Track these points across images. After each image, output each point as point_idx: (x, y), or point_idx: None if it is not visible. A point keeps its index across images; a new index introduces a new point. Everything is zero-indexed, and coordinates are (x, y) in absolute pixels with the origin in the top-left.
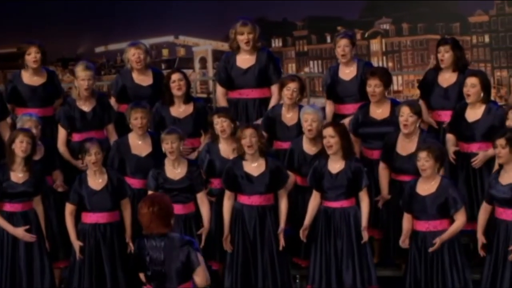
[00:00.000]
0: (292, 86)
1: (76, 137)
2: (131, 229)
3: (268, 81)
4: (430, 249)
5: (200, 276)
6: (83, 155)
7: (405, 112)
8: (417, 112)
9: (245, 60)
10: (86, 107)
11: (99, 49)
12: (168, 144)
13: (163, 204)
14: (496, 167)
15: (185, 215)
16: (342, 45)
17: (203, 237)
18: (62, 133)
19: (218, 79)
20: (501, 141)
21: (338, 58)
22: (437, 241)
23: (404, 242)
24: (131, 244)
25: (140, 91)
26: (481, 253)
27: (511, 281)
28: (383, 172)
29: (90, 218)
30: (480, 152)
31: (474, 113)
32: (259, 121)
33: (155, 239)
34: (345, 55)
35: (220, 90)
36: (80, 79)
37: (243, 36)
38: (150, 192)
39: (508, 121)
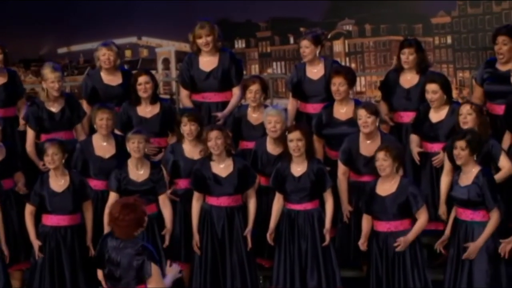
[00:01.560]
0: (254, 88)
1: (44, 138)
2: (92, 232)
3: (230, 83)
4: (397, 249)
5: (152, 285)
6: (43, 155)
7: (362, 115)
8: (374, 112)
9: (207, 62)
10: (54, 108)
11: (62, 50)
12: (135, 143)
13: (135, 213)
14: (445, 173)
15: (147, 216)
16: (303, 46)
17: (166, 238)
18: (30, 134)
19: (181, 81)
20: (461, 143)
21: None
22: (401, 240)
23: (363, 244)
24: (91, 248)
25: (110, 91)
26: (442, 251)
27: (468, 281)
28: (342, 178)
29: (50, 220)
30: (441, 152)
31: (438, 114)
32: (221, 115)
33: (117, 239)
34: (306, 55)
35: (184, 92)
36: (50, 81)
37: (202, 39)
38: (112, 193)
39: (461, 116)
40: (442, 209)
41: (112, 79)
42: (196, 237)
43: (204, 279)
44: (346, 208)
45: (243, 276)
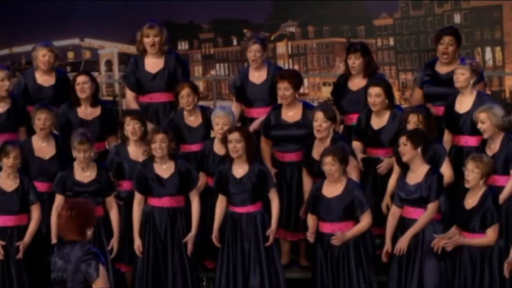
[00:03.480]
0: (185, 92)
1: None
2: (31, 236)
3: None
4: (332, 241)
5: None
6: (1, 156)
7: (319, 118)
8: (331, 118)
9: (153, 64)
10: (0, 108)
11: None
12: (81, 153)
13: (83, 210)
14: (395, 170)
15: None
16: (254, 50)
17: (115, 241)
18: None
19: (127, 83)
20: (402, 139)
21: (249, 63)
22: (339, 234)
23: (311, 236)
24: (21, 250)
25: (41, 91)
26: (384, 259)
27: (419, 281)
28: (306, 179)
29: None
30: (385, 159)
31: (379, 120)
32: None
33: (65, 245)
34: (256, 60)
35: (130, 93)
36: None
37: (149, 38)
38: (58, 196)
39: (409, 124)
40: (387, 200)
41: (46, 80)
42: (137, 241)
43: (146, 280)
44: (305, 208)
45: (184, 278)
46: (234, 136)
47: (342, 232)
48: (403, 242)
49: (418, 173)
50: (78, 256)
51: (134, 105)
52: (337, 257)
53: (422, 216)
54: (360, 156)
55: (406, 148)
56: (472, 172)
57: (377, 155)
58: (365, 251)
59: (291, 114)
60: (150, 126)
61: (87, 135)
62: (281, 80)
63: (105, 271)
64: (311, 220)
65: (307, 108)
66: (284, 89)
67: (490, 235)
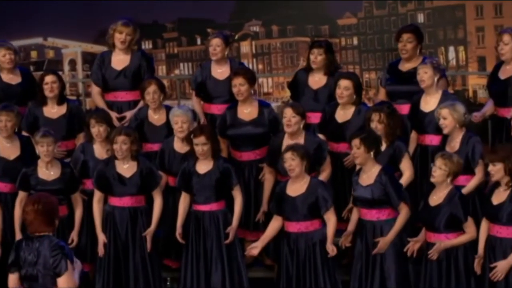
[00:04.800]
0: (151, 89)
1: None
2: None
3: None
4: (331, 254)
5: (64, 282)
6: None
7: (287, 113)
8: (300, 113)
9: (119, 60)
10: None
11: None
12: (44, 147)
13: (48, 203)
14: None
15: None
16: (214, 44)
17: (75, 239)
18: None
19: (93, 79)
20: (355, 142)
21: (210, 57)
22: (329, 247)
23: (252, 249)
24: None
25: (9, 90)
26: (346, 242)
27: (380, 281)
28: (268, 177)
29: None
30: (351, 153)
31: (344, 114)
32: (128, 114)
33: (32, 240)
34: (216, 53)
35: (96, 90)
36: None
37: (121, 35)
38: (21, 193)
39: (372, 123)
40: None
41: (12, 78)
42: (101, 237)
43: (107, 279)
44: (265, 205)
45: (146, 277)
46: (201, 140)
47: (331, 245)
48: (384, 244)
49: (370, 174)
50: (47, 250)
51: (99, 101)
52: (304, 256)
53: (398, 220)
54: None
55: (359, 152)
56: (439, 168)
57: (338, 150)
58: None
59: (247, 112)
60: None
61: (49, 131)
62: (235, 76)
63: (72, 267)
64: (274, 222)
65: (263, 106)
66: (239, 84)
67: (469, 231)
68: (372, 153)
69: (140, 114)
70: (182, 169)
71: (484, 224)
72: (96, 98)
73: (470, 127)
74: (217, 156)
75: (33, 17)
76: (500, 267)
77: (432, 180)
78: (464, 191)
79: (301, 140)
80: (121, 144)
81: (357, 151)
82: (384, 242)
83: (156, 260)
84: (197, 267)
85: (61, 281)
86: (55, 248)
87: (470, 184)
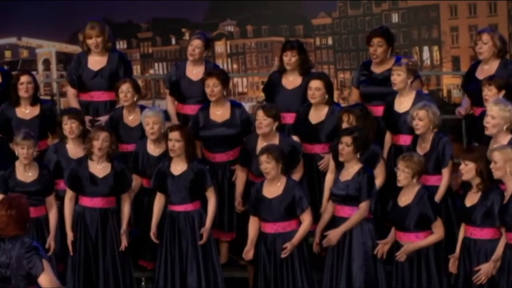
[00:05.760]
0: (125, 87)
1: None
2: None
3: None
4: (283, 255)
5: (46, 281)
6: None
7: (259, 115)
8: (272, 115)
9: (96, 61)
10: None
11: None
12: (24, 149)
13: (21, 207)
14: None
15: (37, 218)
16: (194, 45)
17: (52, 244)
18: None
19: (69, 80)
20: (347, 139)
21: (188, 56)
22: (288, 246)
23: (248, 252)
24: None
25: None
26: (316, 248)
27: (347, 279)
28: (240, 175)
29: None
30: (325, 156)
31: (317, 115)
32: (102, 118)
33: (5, 241)
34: (194, 55)
35: (71, 91)
36: None
37: (92, 40)
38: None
39: (343, 124)
40: (324, 206)
41: None
42: (70, 235)
43: (78, 279)
44: (238, 199)
45: (116, 278)
46: (174, 135)
47: (290, 242)
48: (333, 236)
49: (351, 170)
50: (20, 252)
51: (74, 103)
52: (281, 257)
53: (354, 214)
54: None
55: (347, 149)
56: (403, 171)
57: (313, 151)
58: (308, 251)
59: (219, 114)
60: (168, 124)
61: (30, 133)
62: (209, 77)
63: (49, 265)
64: (252, 224)
65: (235, 107)
66: (213, 85)
67: (438, 231)
68: (358, 154)
69: (115, 114)
70: (157, 169)
71: (464, 224)
72: (70, 99)
73: (445, 126)
74: (192, 158)
75: (7, 17)
76: (484, 270)
77: (399, 184)
78: (437, 198)
79: (275, 141)
80: (103, 141)
81: (346, 148)
82: (334, 235)
83: (127, 260)
84: (172, 267)
85: (42, 281)
86: (29, 250)
87: (440, 189)
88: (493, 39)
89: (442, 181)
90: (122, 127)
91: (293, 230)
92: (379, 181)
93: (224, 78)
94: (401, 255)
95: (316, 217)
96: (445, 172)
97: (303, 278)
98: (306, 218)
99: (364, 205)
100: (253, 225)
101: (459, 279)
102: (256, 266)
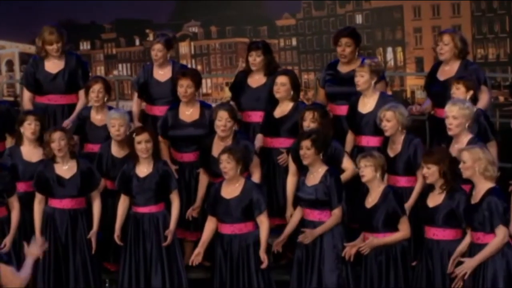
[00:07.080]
0: (97, 87)
1: None
2: None
3: (77, 86)
4: (263, 266)
5: (9, 282)
6: None
7: (223, 117)
8: (235, 117)
9: (53, 64)
10: None
11: None
12: None
13: None
14: (291, 171)
15: None
16: (156, 49)
17: (8, 244)
18: None
19: (26, 83)
20: (306, 143)
21: (153, 61)
22: (261, 255)
23: (197, 256)
24: None
25: None
26: (277, 247)
27: (318, 281)
28: (203, 176)
29: None
30: (285, 151)
31: (281, 110)
32: (68, 122)
33: None
34: (158, 59)
35: (27, 94)
36: None
37: (52, 46)
38: None
39: (305, 122)
40: (290, 211)
41: None
42: (39, 239)
43: (48, 281)
44: (198, 206)
45: (86, 279)
46: (144, 137)
47: (261, 252)
48: (310, 235)
49: (316, 174)
50: None
51: (29, 106)
52: (237, 258)
53: (330, 219)
54: (257, 144)
55: (309, 153)
56: (365, 167)
57: (272, 145)
58: (267, 251)
59: (188, 114)
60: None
61: None
62: (183, 77)
63: (10, 267)
64: (209, 224)
65: (205, 107)
66: (187, 86)
67: (403, 229)
68: (321, 154)
69: (82, 113)
70: (122, 171)
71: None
72: (26, 103)
73: (409, 128)
74: (157, 158)
75: None
76: (468, 264)
77: (364, 180)
78: (411, 201)
79: (229, 141)
80: (59, 140)
81: (307, 151)
82: (311, 234)
83: (96, 261)
84: (137, 269)
85: (5, 285)
86: None
87: (414, 192)
88: (454, 40)
89: (417, 184)
90: (89, 127)
91: (250, 232)
92: (350, 171)
93: (198, 79)
94: (365, 248)
95: (277, 211)
96: (419, 174)
97: (259, 279)
98: (264, 220)
99: (337, 212)
100: (208, 226)
101: (422, 280)
102: (213, 266)
